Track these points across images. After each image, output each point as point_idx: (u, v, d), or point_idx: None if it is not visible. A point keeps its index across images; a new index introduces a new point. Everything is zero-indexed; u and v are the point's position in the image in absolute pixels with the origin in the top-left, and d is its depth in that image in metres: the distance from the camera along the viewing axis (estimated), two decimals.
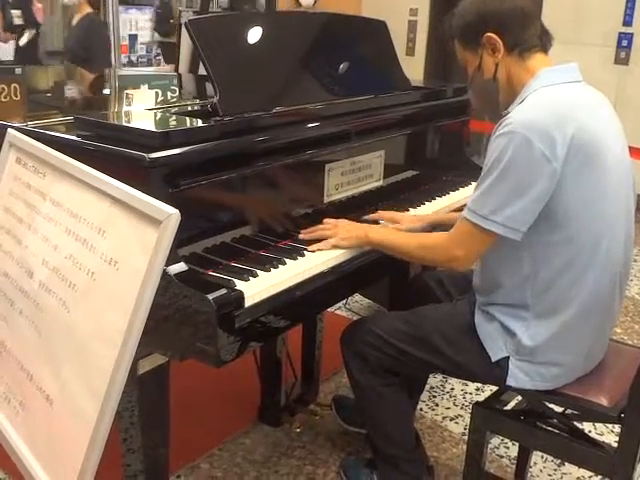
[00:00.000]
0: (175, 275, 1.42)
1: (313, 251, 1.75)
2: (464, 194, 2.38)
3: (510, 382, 1.71)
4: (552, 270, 1.62)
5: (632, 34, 5.22)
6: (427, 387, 2.48)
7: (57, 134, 1.67)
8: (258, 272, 1.59)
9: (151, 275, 0.96)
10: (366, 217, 2.02)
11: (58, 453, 1.10)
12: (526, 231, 1.57)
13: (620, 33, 5.27)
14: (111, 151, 1.50)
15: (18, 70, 4.69)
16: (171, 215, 0.97)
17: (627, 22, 5.23)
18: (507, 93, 1.72)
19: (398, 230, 1.94)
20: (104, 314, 1.03)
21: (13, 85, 2.58)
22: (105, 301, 1.03)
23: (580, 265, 1.61)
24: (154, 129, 1.57)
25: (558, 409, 1.81)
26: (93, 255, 1.06)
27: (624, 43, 5.25)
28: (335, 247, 1.78)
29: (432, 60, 6.60)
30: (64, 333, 1.11)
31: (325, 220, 1.88)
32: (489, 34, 1.67)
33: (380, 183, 2.18)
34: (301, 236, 1.82)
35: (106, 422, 0.99)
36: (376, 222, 2.01)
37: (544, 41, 1.71)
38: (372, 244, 1.81)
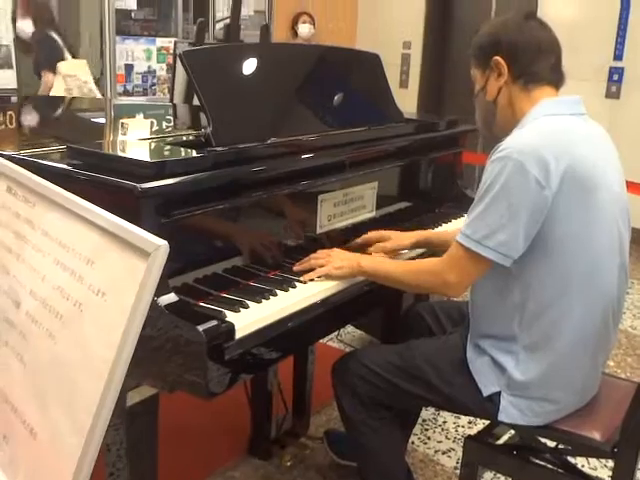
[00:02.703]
0: (165, 306, 1.41)
1: (305, 281, 1.74)
2: (457, 226, 2.38)
3: (502, 417, 1.69)
4: (540, 301, 1.61)
5: (623, 68, 5.29)
6: (419, 420, 2.45)
7: (49, 163, 1.66)
8: (249, 303, 1.58)
9: (139, 307, 0.95)
10: (355, 241, 2.03)
11: None
12: (517, 259, 1.57)
13: (611, 67, 5.34)
14: (103, 180, 1.50)
15: (14, 98, 4.70)
16: (160, 247, 0.96)
17: (618, 57, 5.30)
18: (506, 118, 1.74)
19: (391, 259, 1.94)
20: (91, 346, 1.01)
21: (9, 113, 2.59)
22: (92, 332, 1.01)
23: (569, 298, 1.60)
24: (145, 159, 1.57)
25: (551, 443, 1.79)
26: (81, 286, 1.05)
27: (615, 77, 5.32)
28: (328, 276, 1.77)
29: (425, 93, 6.66)
30: (50, 365, 1.10)
31: (319, 251, 1.88)
32: (497, 58, 1.70)
33: (373, 214, 2.18)
34: (295, 268, 1.81)
35: (90, 456, 0.97)
36: (364, 248, 2.01)
37: (555, 78, 1.72)
38: (365, 273, 1.80)
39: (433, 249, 2.06)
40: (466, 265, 1.63)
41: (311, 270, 1.78)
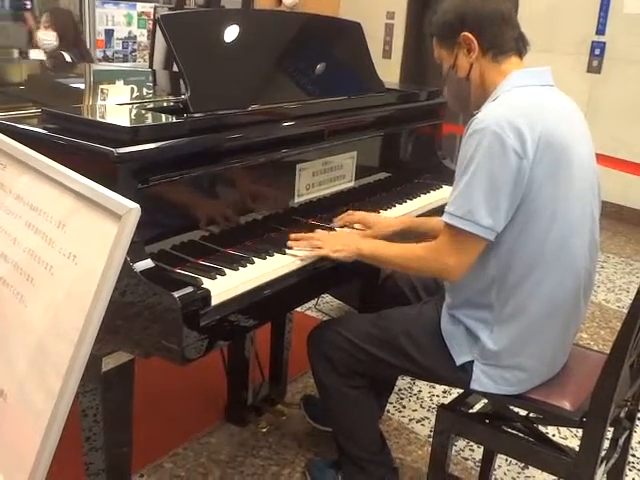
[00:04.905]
0: (141, 272, 1.41)
1: (302, 260, 1.74)
2: (436, 197, 2.39)
3: (474, 386, 1.72)
4: (518, 272, 1.63)
5: (604, 43, 5.29)
6: (395, 389, 2.48)
7: (25, 127, 1.65)
8: (226, 271, 1.59)
9: (109, 270, 0.94)
10: (336, 219, 2.02)
11: (10, 450, 1.08)
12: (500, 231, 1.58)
13: (593, 42, 5.34)
14: (79, 145, 1.48)
15: None
16: (131, 210, 0.95)
17: (600, 31, 5.30)
18: (479, 93, 1.74)
19: (390, 242, 1.88)
20: (61, 309, 1.01)
21: None
22: (63, 296, 1.01)
23: (543, 267, 1.62)
24: (121, 124, 1.56)
25: (523, 412, 1.82)
26: (52, 249, 1.04)
27: (597, 52, 5.32)
28: (326, 258, 1.76)
29: (408, 63, 6.64)
30: (21, 328, 1.10)
31: (317, 231, 1.87)
32: (466, 34, 1.69)
33: (351, 184, 2.18)
34: (290, 243, 1.78)
35: (59, 419, 0.97)
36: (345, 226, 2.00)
37: (520, 46, 1.73)
38: (364, 257, 1.78)
39: (419, 236, 2.00)
40: (459, 245, 1.61)
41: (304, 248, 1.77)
